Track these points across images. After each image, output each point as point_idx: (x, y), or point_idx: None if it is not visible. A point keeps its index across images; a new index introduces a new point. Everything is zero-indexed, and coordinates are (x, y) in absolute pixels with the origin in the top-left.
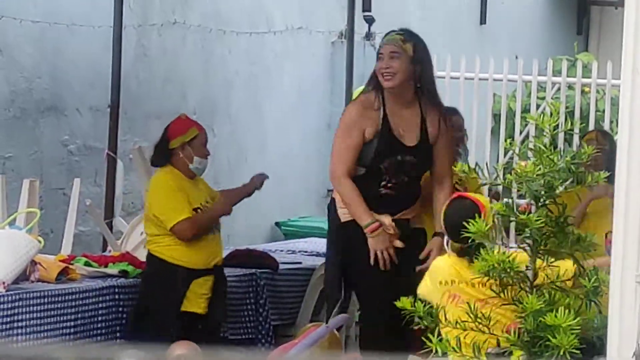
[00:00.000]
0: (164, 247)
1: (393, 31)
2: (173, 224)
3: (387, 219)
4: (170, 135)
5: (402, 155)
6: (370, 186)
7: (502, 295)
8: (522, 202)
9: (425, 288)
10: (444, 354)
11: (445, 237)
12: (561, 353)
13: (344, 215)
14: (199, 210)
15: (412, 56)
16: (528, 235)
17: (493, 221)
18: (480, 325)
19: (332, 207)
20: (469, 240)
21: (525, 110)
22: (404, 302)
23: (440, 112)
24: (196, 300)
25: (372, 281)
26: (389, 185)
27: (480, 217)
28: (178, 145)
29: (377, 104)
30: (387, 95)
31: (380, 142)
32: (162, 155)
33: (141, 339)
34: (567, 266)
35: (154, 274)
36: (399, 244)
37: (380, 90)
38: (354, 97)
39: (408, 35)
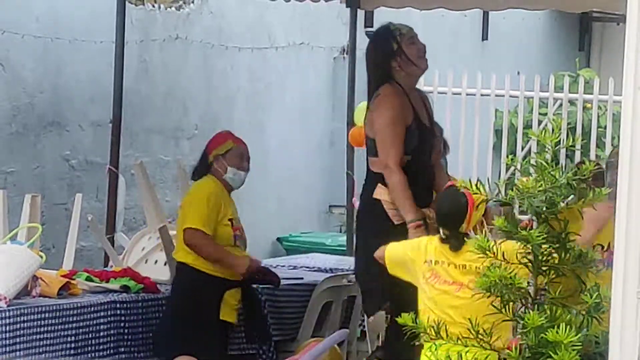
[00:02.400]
0: (198, 256)
1: (392, 24)
2: (188, 226)
3: (431, 212)
4: (209, 150)
5: (431, 140)
6: (416, 177)
7: (503, 311)
8: (524, 218)
9: (399, 254)
10: None
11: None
12: None
13: (395, 218)
14: (232, 221)
15: None
16: (529, 251)
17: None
18: (482, 342)
19: (376, 210)
20: (453, 230)
21: (527, 126)
22: (405, 318)
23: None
24: (229, 310)
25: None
26: (430, 174)
27: (466, 209)
28: (214, 158)
29: (402, 92)
30: (405, 83)
31: (418, 129)
32: (202, 169)
33: (195, 349)
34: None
35: (188, 284)
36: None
37: (394, 79)
38: (356, 113)
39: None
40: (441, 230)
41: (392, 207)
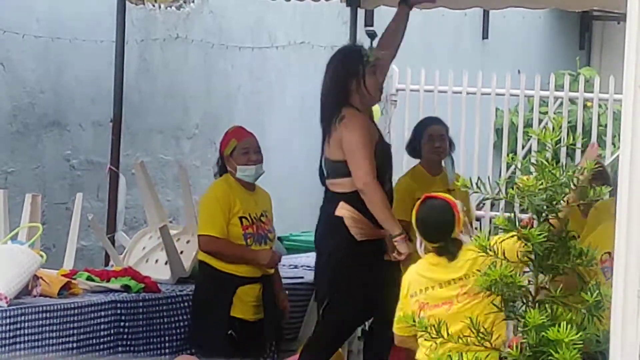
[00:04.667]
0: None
1: (357, 45)
2: (200, 233)
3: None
4: (220, 151)
5: (391, 160)
6: None
7: (504, 310)
8: (524, 216)
9: (401, 309)
10: None
11: (419, 240)
12: None
13: (357, 235)
14: (243, 219)
15: None
16: (530, 250)
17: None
18: (483, 341)
19: (338, 228)
20: (445, 238)
21: (528, 124)
22: (407, 317)
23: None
24: (242, 307)
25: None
26: (390, 193)
27: (454, 215)
28: (226, 159)
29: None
30: (362, 107)
31: (382, 149)
32: (221, 168)
33: (200, 343)
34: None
35: (204, 281)
36: (402, 257)
37: (350, 103)
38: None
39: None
40: (429, 245)
41: (354, 224)
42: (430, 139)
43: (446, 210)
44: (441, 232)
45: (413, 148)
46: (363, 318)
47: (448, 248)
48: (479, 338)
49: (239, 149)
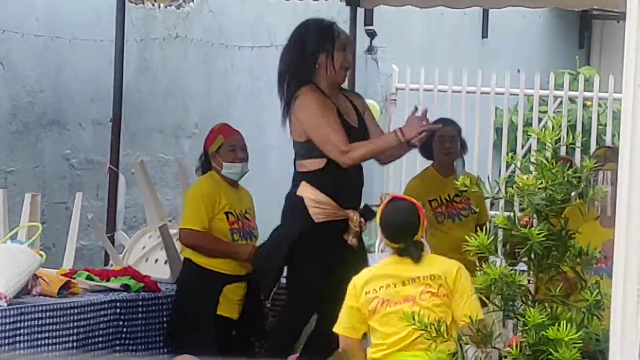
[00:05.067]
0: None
1: (335, 24)
2: (182, 226)
3: (354, 214)
4: (205, 147)
5: (359, 140)
6: (344, 177)
7: (504, 309)
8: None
9: (349, 317)
10: None
11: (379, 240)
12: None
13: (316, 216)
14: (229, 215)
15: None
16: (530, 248)
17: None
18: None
19: (298, 207)
20: (407, 240)
21: (527, 124)
22: (406, 315)
23: (358, 94)
24: (228, 305)
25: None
26: (357, 175)
27: (419, 218)
28: (211, 156)
29: (322, 93)
30: (325, 86)
31: (344, 128)
32: (205, 164)
33: (182, 344)
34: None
35: (188, 279)
36: (355, 242)
37: (313, 81)
38: None
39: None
40: (390, 245)
41: (313, 204)
42: (441, 140)
43: (411, 212)
44: (404, 233)
45: (424, 149)
46: (320, 300)
47: (409, 250)
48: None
49: (226, 146)
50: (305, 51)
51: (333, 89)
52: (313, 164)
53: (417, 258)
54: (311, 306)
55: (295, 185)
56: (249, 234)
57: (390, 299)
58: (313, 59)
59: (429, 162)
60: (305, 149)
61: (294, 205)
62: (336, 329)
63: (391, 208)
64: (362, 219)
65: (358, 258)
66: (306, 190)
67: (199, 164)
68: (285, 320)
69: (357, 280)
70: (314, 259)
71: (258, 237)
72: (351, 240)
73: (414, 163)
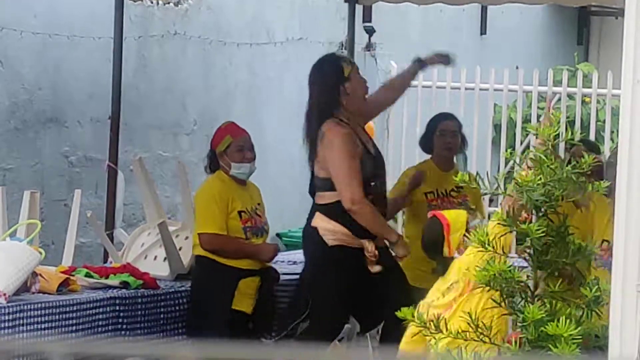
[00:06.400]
0: None
1: (338, 54)
2: (200, 231)
3: (369, 244)
4: (213, 147)
5: (381, 169)
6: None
7: (502, 305)
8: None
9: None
10: None
11: None
12: None
13: (329, 240)
14: (242, 213)
15: None
16: (529, 245)
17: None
18: (482, 336)
19: (313, 236)
20: (438, 257)
21: (526, 120)
22: (405, 312)
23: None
24: (243, 299)
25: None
26: (383, 202)
27: (443, 233)
28: (219, 155)
29: (346, 124)
30: (349, 118)
31: (369, 160)
32: (213, 162)
33: (201, 338)
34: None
35: (204, 275)
36: (377, 268)
37: (337, 114)
38: None
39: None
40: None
41: (326, 232)
42: (442, 135)
43: (436, 229)
44: (432, 250)
45: (425, 143)
46: (341, 322)
47: (438, 267)
48: (477, 333)
49: (234, 146)
50: (325, 86)
51: (356, 122)
52: (332, 197)
53: (442, 274)
54: (332, 332)
55: (310, 217)
56: (261, 230)
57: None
58: (334, 92)
59: (428, 156)
60: (329, 184)
61: (308, 236)
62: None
63: (426, 227)
64: (377, 250)
65: (389, 279)
66: (319, 221)
67: (207, 162)
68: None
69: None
70: (333, 281)
71: (269, 232)
72: (373, 268)
73: (413, 161)
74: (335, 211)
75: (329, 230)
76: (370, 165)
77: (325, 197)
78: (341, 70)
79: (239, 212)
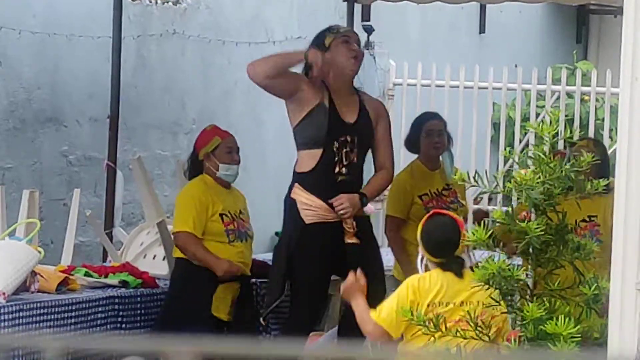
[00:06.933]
0: None
1: (335, 25)
2: (175, 230)
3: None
4: (197, 148)
5: (345, 135)
6: (328, 180)
7: (502, 303)
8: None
9: (399, 308)
10: None
11: (420, 256)
12: None
13: (307, 217)
14: (224, 216)
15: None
16: (528, 243)
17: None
18: (481, 334)
19: (292, 210)
20: (450, 256)
21: (525, 118)
22: (405, 312)
23: (379, 101)
24: (221, 305)
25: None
26: (343, 168)
27: (460, 233)
28: (204, 156)
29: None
30: (331, 82)
31: (325, 117)
32: (194, 167)
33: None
34: None
35: (182, 277)
36: (354, 240)
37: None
38: None
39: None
40: (433, 259)
41: (305, 206)
42: (429, 134)
43: (453, 228)
44: (445, 248)
45: (411, 143)
46: (321, 297)
47: (450, 265)
48: (477, 331)
49: (223, 147)
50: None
51: (340, 86)
52: (305, 158)
53: (460, 273)
54: (314, 308)
55: (291, 187)
56: (244, 234)
57: (447, 318)
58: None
59: (413, 156)
60: (296, 135)
61: (288, 208)
62: (378, 319)
63: (432, 223)
64: (354, 221)
65: (364, 253)
66: (299, 193)
67: (187, 166)
68: (291, 323)
69: (430, 284)
70: (311, 261)
71: (253, 237)
72: (347, 240)
73: (397, 157)
74: (312, 181)
75: (307, 204)
76: (329, 126)
77: (301, 158)
78: (322, 42)
79: (221, 215)
